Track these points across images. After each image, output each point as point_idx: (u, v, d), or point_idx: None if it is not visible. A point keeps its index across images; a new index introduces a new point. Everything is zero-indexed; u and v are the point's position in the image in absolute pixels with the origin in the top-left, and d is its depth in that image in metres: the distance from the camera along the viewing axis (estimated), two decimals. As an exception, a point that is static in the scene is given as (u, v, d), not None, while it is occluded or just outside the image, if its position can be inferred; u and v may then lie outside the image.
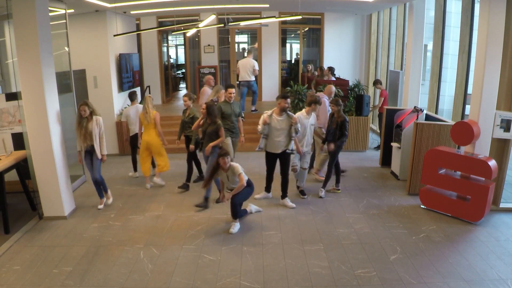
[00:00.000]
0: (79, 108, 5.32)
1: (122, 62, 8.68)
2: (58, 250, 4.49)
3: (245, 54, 9.78)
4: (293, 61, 13.27)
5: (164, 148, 6.33)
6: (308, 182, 6.39)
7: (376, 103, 9.52)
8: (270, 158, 5.61)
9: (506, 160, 5.25)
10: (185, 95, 6.29)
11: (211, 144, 5.43)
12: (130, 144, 6.95)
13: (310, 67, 10.78)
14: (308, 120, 5.71)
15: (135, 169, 7.06)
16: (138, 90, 10.04)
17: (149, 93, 9.94)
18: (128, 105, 7.52)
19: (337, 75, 10.04)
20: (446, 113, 7.56)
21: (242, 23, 10.40)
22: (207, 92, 7.39)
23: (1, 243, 4.60)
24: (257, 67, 9.10)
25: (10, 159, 5.15)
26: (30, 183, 5.40)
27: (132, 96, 6.82)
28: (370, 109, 7.56)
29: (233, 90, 6.09)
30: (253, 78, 9.16)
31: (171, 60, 15.47)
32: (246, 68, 9.01)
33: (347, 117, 5.84)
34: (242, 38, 13.81)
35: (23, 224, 5.14)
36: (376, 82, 8.42)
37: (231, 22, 8.38)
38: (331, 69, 9.57)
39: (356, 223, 5.07)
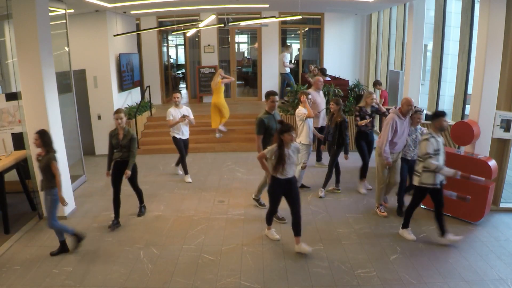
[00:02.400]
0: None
1: (122, 62, 8.68)
2: (58, 250, 4.49)
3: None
4: (293, 61, 13.26)
5: (226, 106, 8.48)
6: (308, 181, 6.39)
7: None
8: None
9: (506, 160, 5.25)
10: (118, 112, 4.95)
11: None
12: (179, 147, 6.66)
13: (312, 67, 10.78)
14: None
15: (187, 172, 6.82)
16: (137, 90, 10.06)
17: (149, 93, 9.92)
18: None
19: (337, 75, 10.03)
20: (446, 113, 7.55)
21: (242, 23, 10.39)
22: (315, 98, 6.60)
23: (1, 243, 4.60)
24: (286, 60, 10.32)
25: (10, 159, 5.15)
26: (30, 183, 5.40)
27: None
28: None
29: (276, 98, 5.16)
30: (287, 70, 10.42)
31: (171, 60, 15.46)
32: (280, 62, 10.53)
33: (346, 118, 5.84)
34: (242, 38, 13.80)
35: (23, 224, 5.14)
36: (376, 83, 8.41)
37: (231, 22, 8.37)
38: (322, 70, 9.57)
39: (356, 223, 5.07)
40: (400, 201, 5.34)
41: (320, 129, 6.74)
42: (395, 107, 5.22)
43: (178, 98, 6.47)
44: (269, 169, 4.30)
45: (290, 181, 4.27)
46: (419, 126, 5.15)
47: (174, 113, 6.44)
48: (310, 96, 5.90)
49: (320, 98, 6.84)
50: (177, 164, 7.08)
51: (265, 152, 4.30)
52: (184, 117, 6.38)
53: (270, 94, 5.11)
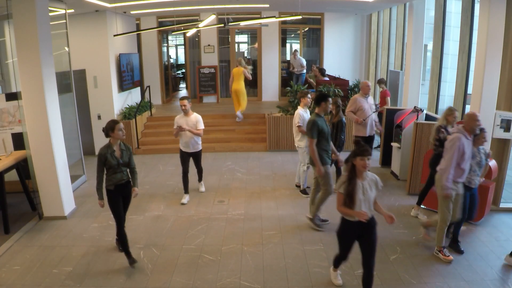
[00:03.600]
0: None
1: (122, 62, 8.68)
2: (58, 250, 4.50)
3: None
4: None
5: (245, 94, 9.12)
6: (308, 181, 6.39)
7: (377, 102, 9.49)
8: None
9: (506, 160, 5.25)
10: (118, 122, 4.08)
11: None
12: None
13: (314, 67, 10.78)
14: (307, 114, 5.80)
15: (186, 191, 5.98)
16: (137, 90, 10.05)
17: (149, 93, 9.92)
18: None
19: (337, 75, 10.03)
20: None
21: (242, 23, 10.39)
22: (362, 104, 6.18)
23: (1, 243, 4.60)
24: (303, 62, 10.93)
25: (10, 159, 5.15)
26: (30, 183, 5.40)
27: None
28: (380, 110, 7.27)
29: (330, 100, 4.90)
30: (304, 71, 10.97)
31: (171, 60, 15.46)
32: (297, 63, 11.02)
33: (344, 118, 5.83)
34: (242, 38, 13.79)
35: (23, 224, 5.14)
36: (380, 82, 8.32)
37: (231, 22, 8.38)
38: (321, 71, 9.58)
39: (356, 223, 5.07)
40: (455, 235, 4.39)
41: (368, 139, 6.14)
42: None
43: (185, 106, 5.56)
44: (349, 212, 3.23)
45: (365, 223, 3.18)
46: (481, 146, 4.25)
47: (179, 121, 5.62)
48: (309, 96, 5.91)
49: (367, 104, 6.17)
50: (199, 180, 6.26)
51: (336, 188, 3.37)
52: (179, 128, 5.50)
53: (323, 98, 4.76)
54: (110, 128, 4.02)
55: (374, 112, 6.17)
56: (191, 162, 5.85)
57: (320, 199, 4.80)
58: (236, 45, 12.26)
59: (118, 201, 4.10)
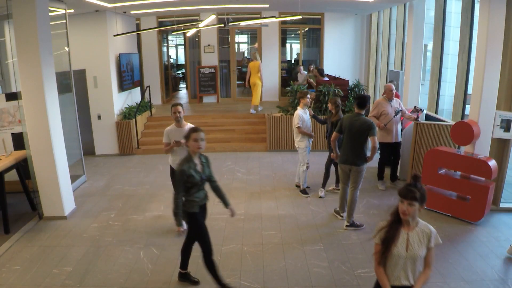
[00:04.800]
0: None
1: (122, 62, 8.67)
2: (58, 250, 4.50)
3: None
4: (293, 61, 13.26)
5: (260, 88, 9.56)
6: (308, 181, 6.39)
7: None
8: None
9: (506, 160, 5.25)
10: (197, 130, 3.45)
11: None
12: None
13: (312, 67, 10.78)
14: (307, 115, 5.82)
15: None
16: (137, 90, 10.05)
17: (149, 93, 9.92)
18: None
19: (337, 75, 10.03)
20: (446, 113, 7.56)
21: (242, 23, 10.39)
22: (386, 108, 5.97)
23: (1, 243, 4.60)
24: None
25: (10, 159, 5.15)
26: (30, 183, 5.40)
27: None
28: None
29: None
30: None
31: (171, 60, 15.46)
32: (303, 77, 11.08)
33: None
34: (242, 38, 13.80)
35: (23, 224, 5.14)
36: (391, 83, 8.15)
37: (231, 22, 8.37)
38: (319, 71, 9.57)
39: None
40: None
41: (394, 145, 6.07)
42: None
43: (179, 112, 4.56)
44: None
45: None
46: None
47: (171, 133, 4.60)
48: (309, 96, 5.91)
49: (391, 108, 5.95)
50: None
51: (372, 236, 2.62)
52: (177, 142, 4.52)
53: (364, 103, 4.82)
54: (185, 137, 3.42)
55: (395, 115, 5.92)
56: None
57: (350, 203, 4.88)
58: (236, 45, 12.26)
59: (204, 224, 3.54)
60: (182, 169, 3.31)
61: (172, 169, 4.82)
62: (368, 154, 4.76)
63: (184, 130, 4.46)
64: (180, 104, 4.66)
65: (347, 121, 4.84)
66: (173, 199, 3.35)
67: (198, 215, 3.49)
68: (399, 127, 6.09)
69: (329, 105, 5.83)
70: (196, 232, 3.48)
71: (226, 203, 3.67)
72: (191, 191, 3.39)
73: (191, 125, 4.39)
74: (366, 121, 4.71)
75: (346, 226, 4.91)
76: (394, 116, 5.93)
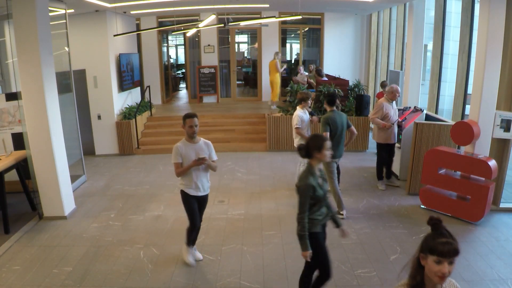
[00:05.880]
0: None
1: (122, 62, 8.67)
2: (58, 250, 4.50)
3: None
4: (293, 61, 13.26)
5: (278, 85, 10.23)
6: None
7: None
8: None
9: (506, 160, 5.25)
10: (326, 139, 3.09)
11: None
12: None
13: (312, 67, 10.77)
14: (306, 115, 5.84)
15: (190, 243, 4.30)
16: (137, 90, 10.05)
17: (149, 93, 9.93)
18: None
19: (337, 75, 10.03)
20: (446, 113, 7.56)
21: (242, 23, 10.40)
22: (387, 109, 5.95)
23: (1, 243, 4.60)
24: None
25: (10, 159, 5.15)
26: (30, 183, 5.40)
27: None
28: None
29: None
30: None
31: (171, 60, 15.46)
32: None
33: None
34: (242, 38, 13.79)
35: (23, 224, 5.14)
36: (383, 85, 8.18)
37: (231, 22, 8.38)
38: (318, 71, 9.55)
39: (356, 223, 5.07)
40: None
41: (392, 146, 6.23)
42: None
43: (196, 126, 3.83)
44: None
45: None
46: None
47: (185, 150, 3.84)
48: (310, 101, 5.91)
49: (393, 110, 6.01)
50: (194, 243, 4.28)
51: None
52: (201, 159, 3.84)
53: (334, 100, 5.25)
54: (316, 147, 2.96)
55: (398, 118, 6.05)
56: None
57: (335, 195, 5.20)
58: (236, 45, 12.26)
59: (325, 247, 3.16)
60: (309, 184, 2.90)
61: (184, 196, 3.96)
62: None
63: (198, 146, 3.90)
64: (196, 115, 3.87)
65: (336, 119, 5.09)
66: (298, 219, 3.01)
67: (320, 235, 3.11)
68: (396, 127, 6.21)
69: (326, 105, 5.83)
70: (317, 255, 3.04)
71: (338, 224, 3.28)
72: (313, 208, 3.02)
73: (205, 140, 4.02)
74: (345, 115, 5.26)
75: (342, 215, 5.19)
76: (398, 119, 6.11)
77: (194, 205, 3.96)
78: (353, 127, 5.32)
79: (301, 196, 2.94)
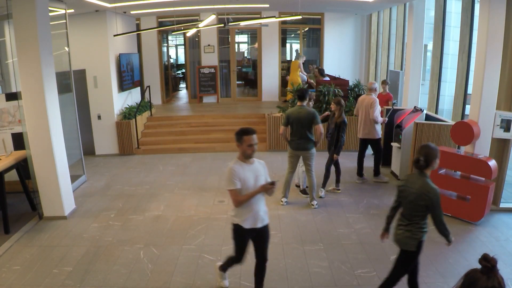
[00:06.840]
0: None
1: (122, 62, 8.67)
2: (58, 250, 4.50)
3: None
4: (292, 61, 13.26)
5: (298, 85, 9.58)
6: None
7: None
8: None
9: (506, 160, 5.25)
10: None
11: None
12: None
13: (312, 67, 10.77)
14: None
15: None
16: (137, 90, 10.05)
17: (149, 93, 9.93)
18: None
19: (337, 75, 10.04)
20: (446, 113, 7.56)
21: (242, 23, 10.40)
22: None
23: (1, 243, 4.60)
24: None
25: (10, 159, 5.15)
26: (30, 183, 5.40)
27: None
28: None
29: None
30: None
31: (171, 60, 15.46)
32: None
33: (346, 119, 5.83)
34: (242, 38, 13.79)
35: (23, 224, 5.14)
36: (384, 83, 8.16)
37: (231, 22, 8.38)
38: (320, 71, 9.55)
39: (356, 223, 5.07)
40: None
41: (378, 141, 6.52)
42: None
43: (256, 144, 3.22)
44: None
45: None
46: None
47: (243, 173, 3.20)
48: (311, 103, 5.91)
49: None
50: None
51: None
52: (272, 184, 3.24)
53: (304, 95, 5.46)
54: (435, 157, 2.98)
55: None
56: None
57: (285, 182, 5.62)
58: (236, 45, 12.26)
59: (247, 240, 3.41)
60: (437, 189, 2.97)
61: (239, 231, 3.34)
62: (313, 139, 5.40)
63: (255, 167, 3.30)
64: (255, 132, 3.25)
65: (293, 114, 5.35)
66: (440, 222, 3.12)
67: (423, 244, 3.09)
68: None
69: (332, 106, 5.84)
70: (412, 261, 3.07)
71: (449, 240, 3.21)
72: (426, 217, 3.06)
73: (259, 160, 3.41)
74: (310, 111, 5.34)
75: (314, 205, 5.52)
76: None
77: (247, 241, 3.43)
78: (319, 125, 5.31)
79: (439, 203, 3.03)
